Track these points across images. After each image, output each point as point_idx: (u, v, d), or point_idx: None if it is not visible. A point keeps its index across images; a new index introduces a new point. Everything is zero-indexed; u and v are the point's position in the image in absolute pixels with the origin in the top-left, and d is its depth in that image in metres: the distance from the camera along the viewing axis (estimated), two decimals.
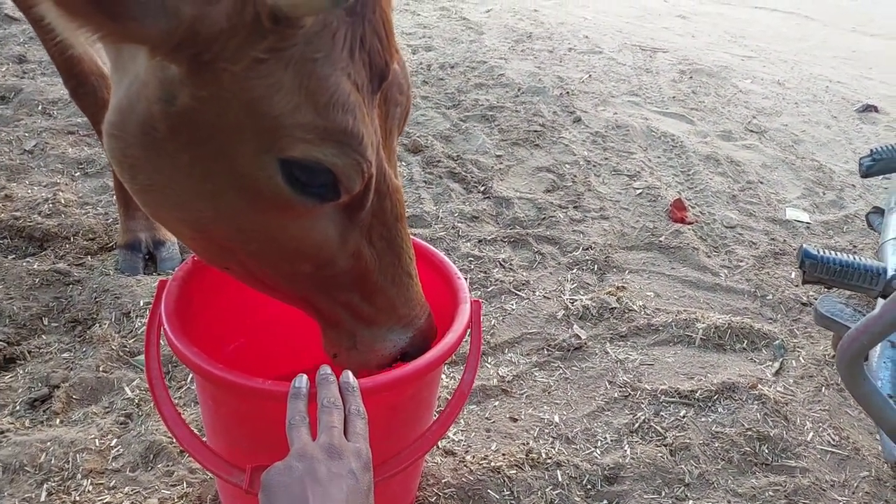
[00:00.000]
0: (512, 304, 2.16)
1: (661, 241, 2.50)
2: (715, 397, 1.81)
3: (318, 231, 0.99)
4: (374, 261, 1.06)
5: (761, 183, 2.96)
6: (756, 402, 1.79)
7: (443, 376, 1.84)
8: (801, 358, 2.01)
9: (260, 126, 0.89)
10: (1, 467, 1.47)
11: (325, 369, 1.03)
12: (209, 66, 0.86)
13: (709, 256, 2.46)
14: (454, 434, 1.70)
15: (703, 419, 1.76)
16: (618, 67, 4.14)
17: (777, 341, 2.05)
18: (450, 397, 1.22)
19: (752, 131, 3.42)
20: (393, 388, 1.10)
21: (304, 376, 1.02)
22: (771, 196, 2.87)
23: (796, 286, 2.28)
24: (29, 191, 2.43)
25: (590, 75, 3.96)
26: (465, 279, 2.23)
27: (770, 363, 1.98)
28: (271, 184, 0.92)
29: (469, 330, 1.30)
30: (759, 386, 1.84)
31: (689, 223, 2.62)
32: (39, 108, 2.99)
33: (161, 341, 1.24)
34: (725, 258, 2.46)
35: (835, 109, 3.82)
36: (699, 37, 5.13)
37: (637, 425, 1.74)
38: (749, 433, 1.70)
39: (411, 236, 1.18)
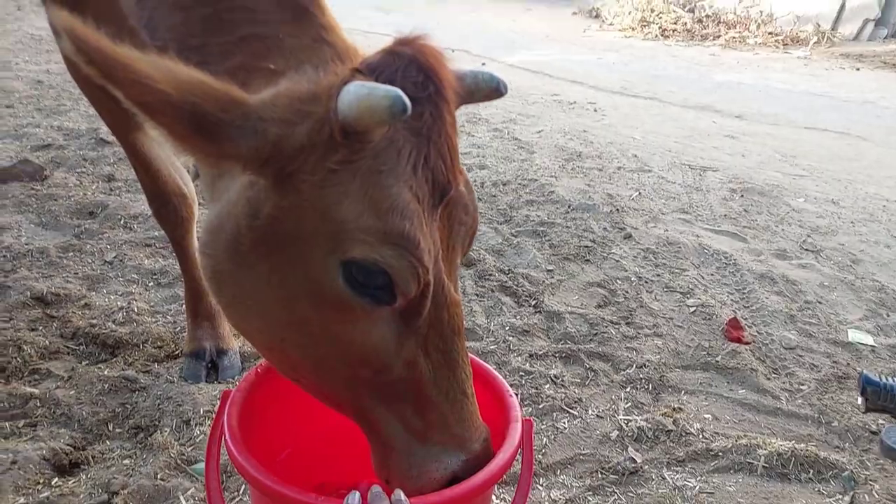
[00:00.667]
0: (564, 423, 2.13)
1: (717, 361, 2.46)
2: None
3: (375, 335, 1.04)
4: (430, 372, 1.08)
5: (820, 303, 2.91)
6: None
7: (493, 497, 1.81)
8: (874, 492, 1.90)
9: (329, 231, 0.98)
10: None
11: (377, 488, 1.05)
12: (290, 179, 0.98)
13: (768, 378, 2.39)
14: None
15: None
16: (667, 185, 4.22)
17: (846, 472, 1.94)
18: None
19: (807, 250, 3.40)
20: None
21: (357, 493, 1.04)
22: (831, 317, 2.81)
23: (864, 413, 2.19)
24: (106, 299, 2.59)
25: (639, 193, 4.05)
26: (516, 395, 2.23)
27: (840, 496, 1.88)
28: (334, 285, 0.99)
29: (520, 450, 1.30)
30: None
31: (746, 343, 2.57)
32: (122, 221, 3.23)
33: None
34: (786, 381, 2.39)
35: (894, 229, 3.77)
36: (749, 156, 5.21)
37: None
38: None
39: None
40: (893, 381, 1.42)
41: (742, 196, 4.09)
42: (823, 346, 2.60)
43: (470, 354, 1.49)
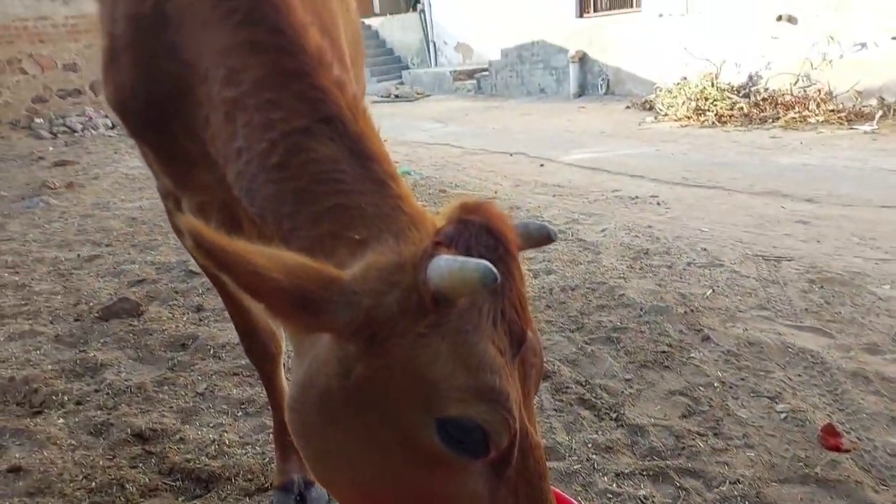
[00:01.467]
0: None
1: (817, 473, 2.34)
2: None
3: (469, 487, 1.08)
4: None
5: None
6: None
7: None
8: None
9: (421, 390, 1.05)
10: None
11: None
12: (382, 343, 1.06)
13: (876, 491, 2.25)
14: None
15: None
16: (742, 280, 4.15)
17: None
18: None
19: None
20: None
21: None
22: None
23: None
24: (199, 432, 2.72)
25: (713, 290, 3.99)
26: None
27: None
28: (430, 442, 1.05)
29: None
30: None
31: (847, 451, 2.44)
32: (211, 352, 3.42)
33: None
34: None
35: None
36: (825, 242, 5.08)
37: None
38: None
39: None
40: None
41: (822, 287, 3.97)
42: None
43: (554, 488, 1.50)
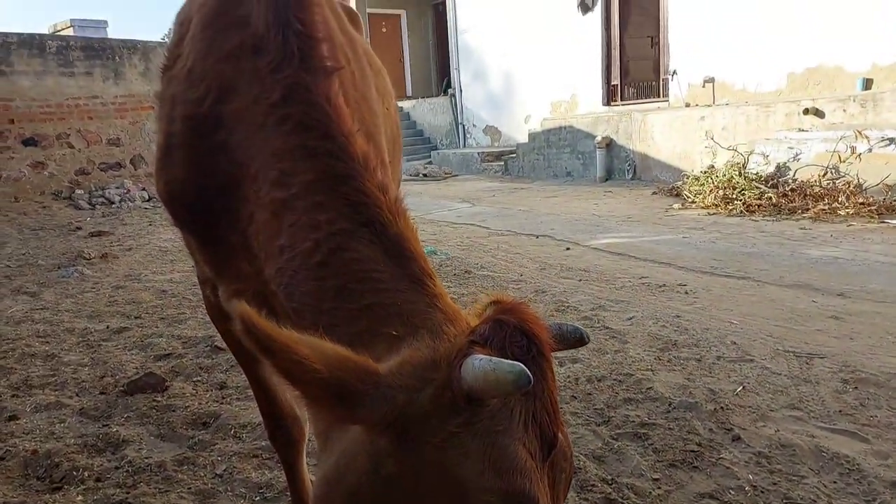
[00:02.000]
0: None
1: None
2: None
3: None
4: None
5: None
6: None
7: None
8: None
9: (451, 489, 1.05)
10: None
11: None
12: (414, 440, 1.07)
13: None
14: None
15: None
16: (772, 377, 4.06)
17: None
18: None
19: None
20: None
21: None
22: None
23: None
24: None
25: (743, 387, 3.91)
26: None
27: None
28: None
29: None
30: None
31: None
32: (232, 431, 3.41)
33: None
34: None
35: None
36: (857, 339, 4.97)
37: None
38: None
39: None
40: None
41: (856, 388, 3.86)
42: None
43: None
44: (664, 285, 6.88)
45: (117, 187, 13.47)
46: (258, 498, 2.85)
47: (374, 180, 1.46)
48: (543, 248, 9.15)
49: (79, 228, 10.48)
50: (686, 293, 6.55)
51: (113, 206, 12.75)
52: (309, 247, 1.40)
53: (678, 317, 5.56)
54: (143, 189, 13.53)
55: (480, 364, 1.04)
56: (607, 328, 5.24)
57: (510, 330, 1.15)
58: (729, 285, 6.86)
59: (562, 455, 1.18)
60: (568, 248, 9.05)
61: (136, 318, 5.50)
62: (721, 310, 5.87)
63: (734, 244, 8.83)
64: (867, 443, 3.22)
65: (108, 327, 5.20)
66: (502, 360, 1.05)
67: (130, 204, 12.92)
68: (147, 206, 12.79)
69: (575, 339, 1.34)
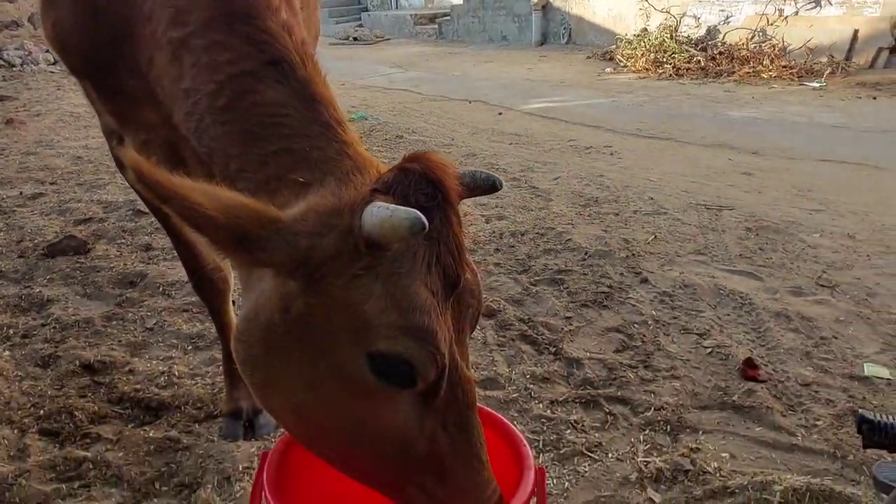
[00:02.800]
0: (584, 467, 2.21)
1: (734, 401, 2.52)
2: None
3: (398, 415, 1.18)
4: (448, 445, 1.21)
5: (836, 338, 2.95)
6: None
7: None
8: None
9: (355, 326, 1.12)
10: None
11: None
12: (319, 281, 1.13)
13: (784, 416, 2.45)
14: None
15: None
16: (683, 227, 4.32)
17: None
18: None
19: (823, 286, 3.45)
20: None
21: None
22: (847, 352, 2.85)
23: (864, 450, 2.23)
24: (148, 365, 2.76)
25: (655, 236, 4.15)
26: (538, 441, 2.33)
27: None
28: (361, 374, 1.13)
29: (534, 498, 1.40)
30: None
31: (762, 381, 2.63)
32: (160, 289, 3.44)
33: None
34: (802, 417, 2.44)
35: None
36: (765, 192, 5.28)
37: None
38: None
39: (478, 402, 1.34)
40: (889, 418, 1.49)
41: (757, 234, 4.16)
42: (839, 381, 2.65)
43: (485, 406, 1.61)
44: (591, 147, 7.02)
45: (17, 48, 12.36)
46: (190, 347, 2.94)
47: (277, 19, 1.39)
48: (476, 113, 9.08)
49: None
50: (611, 154, 6.71)
51: (14, 69, 11.76)
52: (212, 89, 1.35)
53: (602, 176, 5.73)
54: (48, 51, 12.46)
55: (378, 211, 1.07)
56: (533, 188, 5.38)
57: (415, 177, 1.16)
58: (652, 146, 7.07)
59: (469, 293, 1.24)
60: (500, 113, 9.01)
61: (51, 184, 5.28)
62: (642, 168, 6.07)
63: (661, 107, 8.98)
64: (761, 281, 3.53)
65: (21, 193, 4.99)
66: (399, 206, 1.08)
67: (34, 67, 11.94)
68: (53, 70, 11.85)
69: (488, 186, 1.36)
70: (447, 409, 1.19)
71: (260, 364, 1.23)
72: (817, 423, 2.40)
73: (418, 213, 1.05)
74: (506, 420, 1.64)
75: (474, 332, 3.02)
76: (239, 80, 1.33)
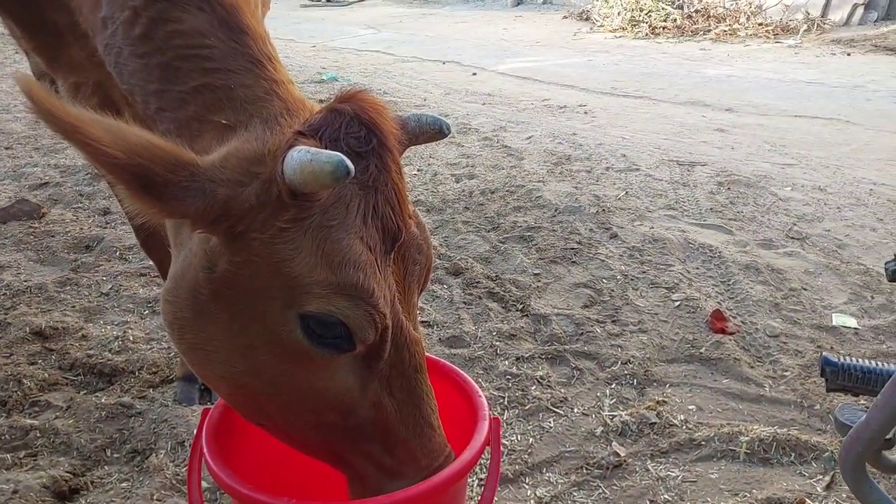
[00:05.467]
0: (550, 422, 2.18)
1: (701, 353, 2.50)
2: None
3: (338, 380, 1.09)
4: (395, 411, 1.13)
5: (805, 290, 2.93)
6: None
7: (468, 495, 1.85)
8: None
9: (283, 285, 1.02)
10: None
11: None
12: (242, 236, 1.02)
13: (752, 367, 2.42)
14: None
15: None
16: (654, 183, 4.26)
17: (827, 453, 1.97)
18: None
19: (793, 238, 3.42)
20: (411, 502, 1.14)
21: None
22: (815, 303, 2.83)
23: (827, 393, 2.22)
24: (102, 330, 2.67)
25: (626, 192, 4.09)
26: (503, 398, 2.28)
27: (821, 477, 1.91)
28: (293, 337, 1.04)
29: (489, 447, 1.35)
30: (808, 501, 1.77)
31: (731, 333, 2.61)
32: (117, 253, 3.32)
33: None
34: (770, 368, 2.42)
35: (880, 212, 3.79)
36: (738, 148, 5.24)
37: None
38: None
39: (428, 354, 1.27)
40: (852, 360, 1.45)
41: (729, 189, 4.12)
42: (808, 331, 2.63)
43: (434, 356, 1.55)
44: (565, 106, 6.92)
45: None
46: (146, 311, 2.84)
47: None
48: (449, 74, 8.90)
49: None
50: (585, 113, 6.62)
51: None
52: (128, 16, 1.21)
53: (575, 134, 5.65)
54: None
55: (298, 155, 0.96)
56: (505, 147, 5.28)
57: (346, 119, 1.06)
58: (626, 104, 6.98)
59: (415, 248, 1.15)
60: (474, 74, 8.84)
61: (6, 148, 5.08)
62: (616, 127, 5.99)
63: (636, 66, 8.87)
64: (731, 234, 3.50)
65: None
66: (321, 150, 0.97)
67: None
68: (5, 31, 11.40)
69: (434, 131, 1.25)
70: (392, 374, 1.12)
71: (188, 328, 1.13)
72: (785, 373, 2.38)
73: (342, 156, 0.94)
74: (458, 370, 1.57)
75: (441, 291, 2.96)
76: (156, 5, 1.19)
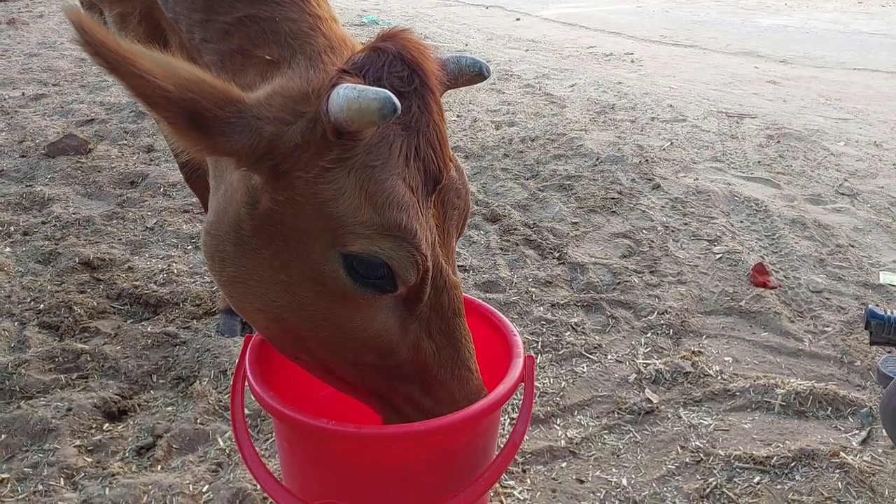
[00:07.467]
0: (583, 368, 2.18)
1: (740, 306, 2.46)
2: (793, 464, 1.75)
3: (379, 321, 1.10)
4: (434, 353, 1.14)
5: (852, 246, 2.85)
6: (838, 470, 1.71)
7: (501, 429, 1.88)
8: None
9: (327, 225, 1.02)
10: None
11: None
12: (285, 175, 1.02)
13: (792, 321, 2.38)
14: (520, 493, 1.73)
15: (778, 486, 1.69)
16: (701, 134, 4.15)
17: (865, 409, 1.95)
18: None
19: (843, 194, 3.31)
20: (445, 432, 1.17)
21: None
22: (863, 260, 2.75)
23: (870, 345, 2.17)
24: (148, 263, 2.74)
25: (671, 143, 3.99)
26: (537, 343, 2.29)
27: (857, 431, 1.88)
28: (336, 276, 1.05)
29: (523, 384, 1.36)
30: (843, 454, 1.75)
31: (772, 288, 2.56)
32: (161, 190, 3.39)
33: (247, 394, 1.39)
34: (810, 323, 2.38)
35: None
36: (791, 101, 5.05)
37: (708, 490, 1.70)
38: (829, 502, 1.62)
39: (465, 294, 1.28)
40: None
41: (778, 142, 3.99)
42: (853, 288, 2.57)
43: (472, 297, 1.56)
44: (611, 54, 6.74)
45: None
46: (189, 247, 2.91)
47: None
48: (492, 19, 8.71)
49: None
50: (632, 61, 6.44)
51: None
52: None
53: (620, 83, 5.51)
54: None
55: (345, 92, 0.94)
56: (548, 94, 5.19)
57: (389, 58, 1.04)
58: (675, 53, 6.76)
59: (454, 192, 1.15)
60: (518, 19, 8.64)
61: (53, 85, 5.18)
62: (664, 76, 5.82)
63: (687, 13, 8.55)
64: (778, 188, 3.40)
65: (23, 94, 4.90)
66: (367, 87, 0.96)
67: None
68: None
69: (473, 74, 1.23)
70: (432, 316, 1.12)
71: (229, 261, 1.14)
72: (826, 329, 2.34)
73: (388, 93, 0.93)
74: (495, 310, 1.58)
75: (477, 237, 2.96)
76: None
